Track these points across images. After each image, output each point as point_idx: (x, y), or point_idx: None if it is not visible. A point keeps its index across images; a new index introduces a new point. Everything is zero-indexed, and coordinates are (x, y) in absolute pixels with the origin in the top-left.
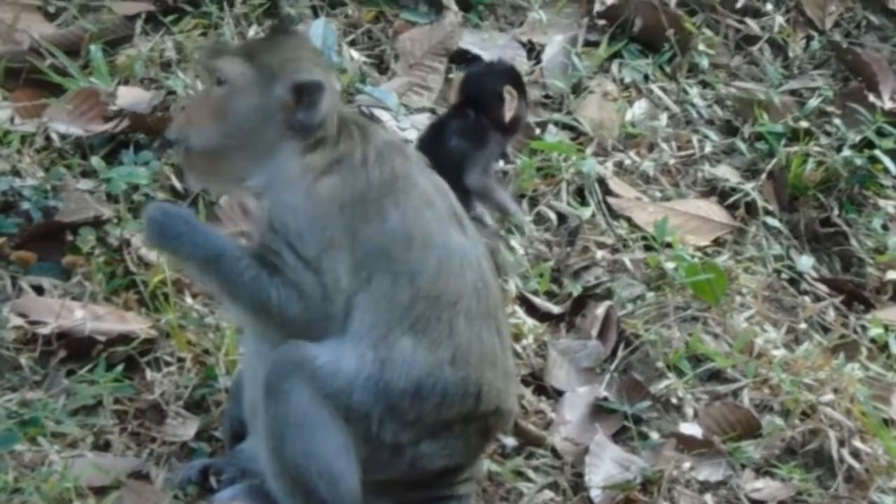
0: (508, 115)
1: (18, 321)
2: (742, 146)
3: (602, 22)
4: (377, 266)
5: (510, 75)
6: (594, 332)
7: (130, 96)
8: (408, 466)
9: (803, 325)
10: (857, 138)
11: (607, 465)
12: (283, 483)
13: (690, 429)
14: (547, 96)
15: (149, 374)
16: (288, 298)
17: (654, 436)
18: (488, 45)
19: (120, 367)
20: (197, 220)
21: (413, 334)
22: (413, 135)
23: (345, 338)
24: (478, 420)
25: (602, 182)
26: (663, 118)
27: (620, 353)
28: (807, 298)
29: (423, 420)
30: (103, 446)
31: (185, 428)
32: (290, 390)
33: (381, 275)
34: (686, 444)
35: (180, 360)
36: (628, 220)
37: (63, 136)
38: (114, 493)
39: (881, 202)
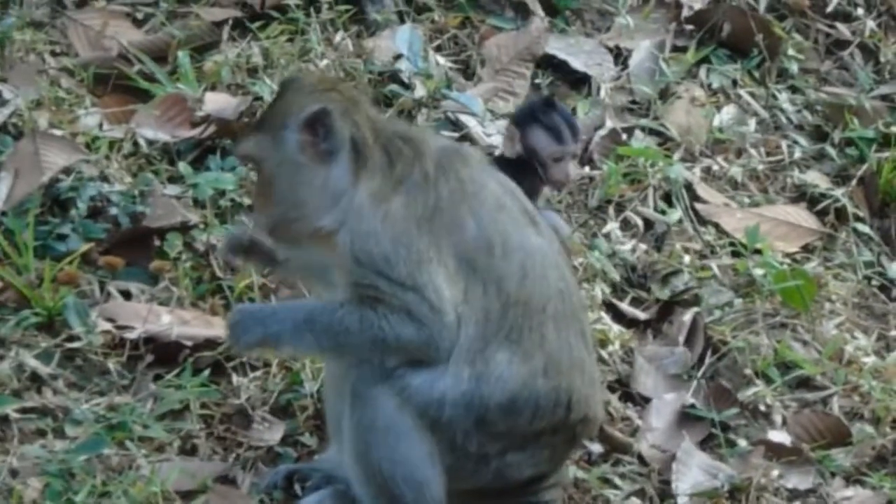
0: (506, 150)
1: (106, 326)
2: (832, 152)
3: (690, 27)
4: (467, 278)
5: (523, 114)
6: (681, 339)
7: (217, 102)
8: (493, 476)
9: (894, 333)
10: None
11: (694, 472)
12: (368, 489)
13: (779, 436)
14: (634, 102)
15: (235, 378)
16: (399, 323)
17: (742, 443)
18: (575, 50)
19: (206, 372)
20: (274, 304)
21: (508, 345)
22: (498, 140)
23: None
24: (566, 429)
25: (689, 188)
26: (752, 123)
27: (708, 360)
28: None
29: (514, 432)
30: (190, 451)
31: (270, 433)
32: (377, 396)
33: (472, 286)
34: (774, 452)
35: (266, 365)
36: (716, 226)
37: (150, 142)
38: (200, 498)
39: None
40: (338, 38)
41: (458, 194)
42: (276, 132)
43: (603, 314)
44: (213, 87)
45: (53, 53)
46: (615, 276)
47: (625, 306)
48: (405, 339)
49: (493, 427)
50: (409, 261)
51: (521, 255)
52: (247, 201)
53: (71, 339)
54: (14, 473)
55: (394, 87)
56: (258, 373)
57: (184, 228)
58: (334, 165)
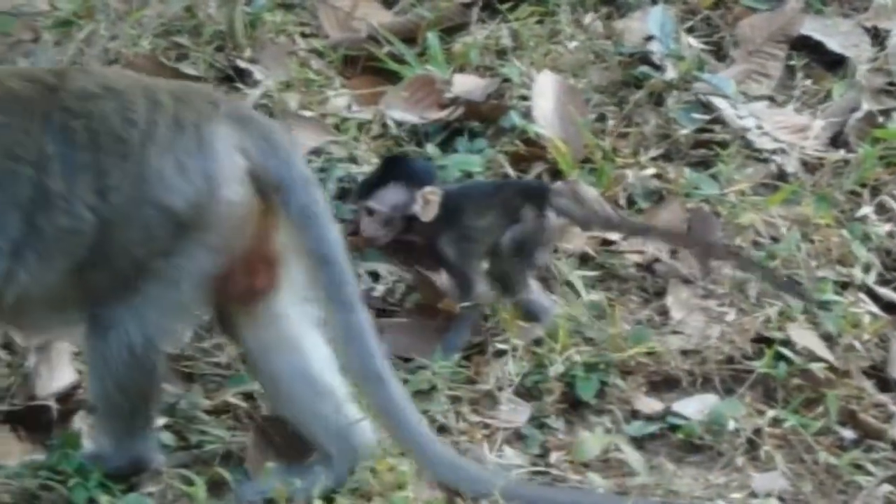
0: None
1: None
2: None
3: None
4: None
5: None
6: None
7: (466, 84)
8: None
9: None
10: None
11: None
12: None
13: None
14: (891, 83)
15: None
16: None
17: None
18: (831, 31)
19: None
20: None
21: None
22: (751, 123)
23: None
24: None
25: None
26: None
27: None
28: None
29: None
30: (437, 431)
31: (517, 414)
32: None
33: None
34: None
35: (514, 349)
36: None
37: (399, 124)
38: None
39: None
40: (588, 19)
41: None
42: None
43: (861, 295)
44: (461, 69)
45: (303, 35)
46: (871, 259)
47: (881, 290)
48: None
49: None
50: None
51: None
52: None
53: None
54: None
55: (644, 68)
56: (505, 357)
57: None
58: None
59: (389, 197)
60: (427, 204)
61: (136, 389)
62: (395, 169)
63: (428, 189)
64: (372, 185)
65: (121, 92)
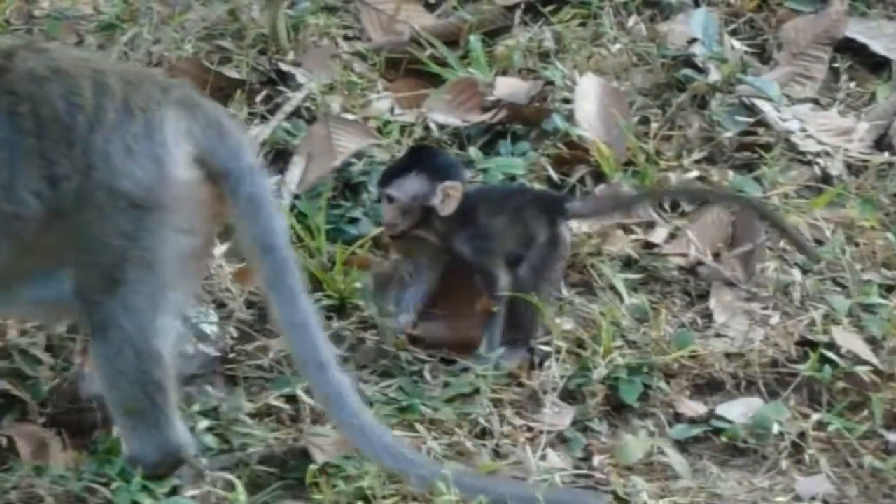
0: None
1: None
2: None
3: None
4: None
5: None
6: None
7: (508, 87)
8: None
9: None
10: None
11: None
12: None
13: None
14: None
15: None
16: None
17: None
18: (875, 33)
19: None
20: None
21: None
22: (795, 125)
23: None
24: None
25: None
26: None
27: None
28: None
29: None
30: (480, 434)
31: (560, 417)
32: None
33: None
34: None
35: (557, 351)
36: None
37: (441, 126)
38: None
39: None
40: (631, 21)
41: None
42: None
43: None
44: (504, 72)
45: (346, 38)
46: None
47: None
48: None
49: None
50: None
51: None
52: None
53: (363, 321)
54: (304, 453)
55: (687, 71)
56: (549, 360)
57: None
58: None
59: (410, 186)
60: (447, 197)
61: (149, 382)
62: (421, 159)
63: (449, 183)
64: (394, 172)
65: (69, 75)
